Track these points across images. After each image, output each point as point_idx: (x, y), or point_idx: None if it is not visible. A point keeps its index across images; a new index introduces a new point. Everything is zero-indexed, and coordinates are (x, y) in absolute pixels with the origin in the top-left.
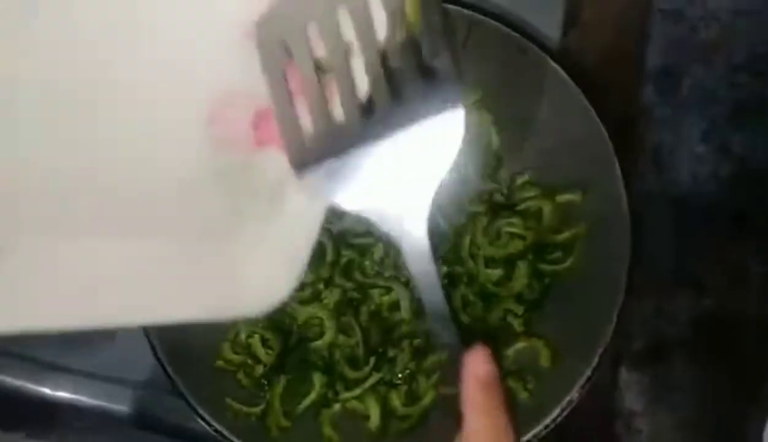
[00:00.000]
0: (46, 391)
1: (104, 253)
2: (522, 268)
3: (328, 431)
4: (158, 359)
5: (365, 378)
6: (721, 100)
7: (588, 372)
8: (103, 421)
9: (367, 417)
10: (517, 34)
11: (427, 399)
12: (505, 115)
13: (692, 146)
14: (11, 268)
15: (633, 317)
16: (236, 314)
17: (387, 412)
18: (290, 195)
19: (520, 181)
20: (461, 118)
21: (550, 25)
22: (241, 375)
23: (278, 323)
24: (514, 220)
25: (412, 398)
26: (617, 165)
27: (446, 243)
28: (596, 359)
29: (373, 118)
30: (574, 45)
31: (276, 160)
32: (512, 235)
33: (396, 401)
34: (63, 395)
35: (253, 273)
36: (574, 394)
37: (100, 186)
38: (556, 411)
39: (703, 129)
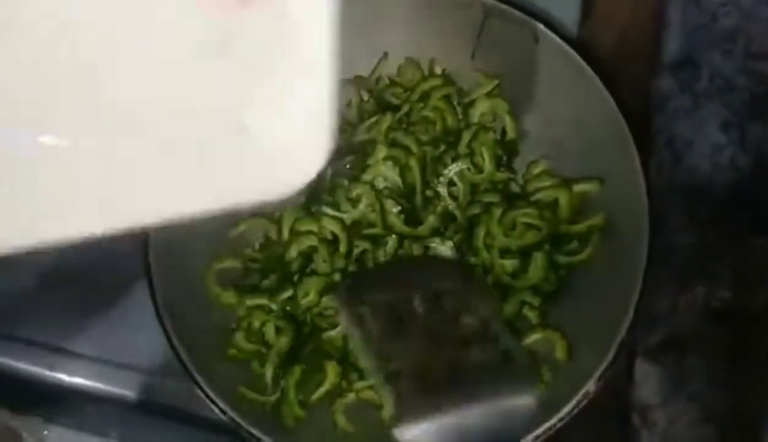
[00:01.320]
0: (62, 377)
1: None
2: (538, 259)
3: (341, 420)
4: (173, 347)
5: None
6: (741, 89)
7: (604, 365)
8: (115, 407)
9: (380, 407)
10: (534, 21)
11: None
12: (522, 104)
13: (710, 136)
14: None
15: (649, 309)
16: (267, 196)
17: None
18: (286, 61)
19: (536, 170)
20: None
21: (567, 14)
22: (255, 364)
23: (292, 312)
24: (530, 210)
25: None
26: (637, 155)
27: (460, 233)
28: (613, 352)
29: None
30: (590, 34)
31: (264, 24)
32: (528, 225)
33: None
34: (77, 380)
35: (273, 146)
36: (590, 386)
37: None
38: (572, 403)
39: (721, 119)
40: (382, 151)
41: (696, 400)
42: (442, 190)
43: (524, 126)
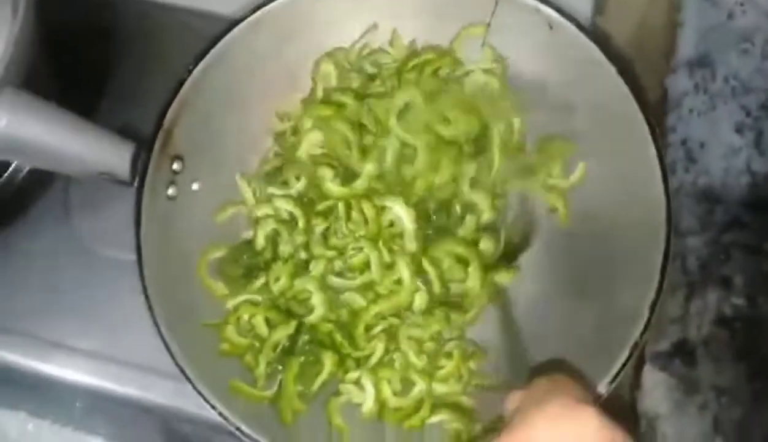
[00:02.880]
0: (50, 370)
1: None
2: None
3: (337, 419)
4: (165, 343)
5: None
6: (757, 90)
7: (618, 366)
8: (105, 403)
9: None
10: (547, 9)
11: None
12: (533, 92)
13: (725, 138)
14: None
15: (659, 315)
16: None
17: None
18: None
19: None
20: None
21: (579, 11)
22: (249, 360)
23: (276, 302)
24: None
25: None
26: (654, 150)
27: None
28: (626, 355)
29: None
30: (602, 33)
31: None
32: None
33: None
34: (67, 374)
35: None
36: (602, 388)
37: None
38: None
39: (737, 120)
40: (307, 123)
41: (707, 410)
42: (392, 121)
43: (535, 116)
